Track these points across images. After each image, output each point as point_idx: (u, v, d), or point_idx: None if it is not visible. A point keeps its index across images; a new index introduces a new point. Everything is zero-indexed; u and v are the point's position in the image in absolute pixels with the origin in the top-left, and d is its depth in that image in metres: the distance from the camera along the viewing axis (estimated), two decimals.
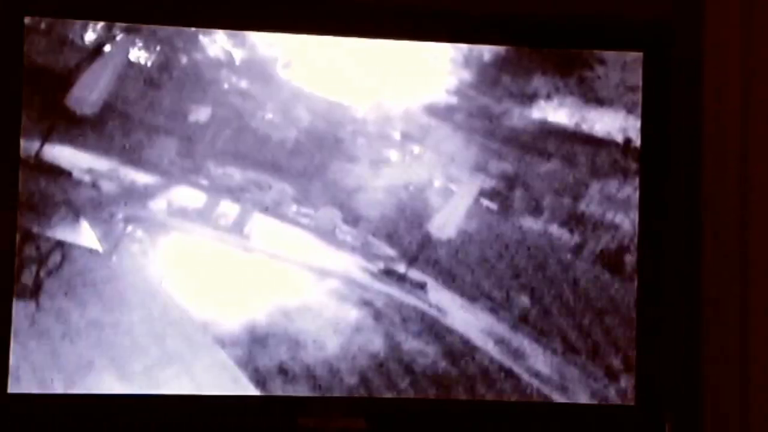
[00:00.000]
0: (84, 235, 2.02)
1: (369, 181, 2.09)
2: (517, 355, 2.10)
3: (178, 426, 2.03)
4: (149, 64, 2.05)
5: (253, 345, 2.04)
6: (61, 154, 2.02)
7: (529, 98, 2.12)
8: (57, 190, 2.02)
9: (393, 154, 2.10)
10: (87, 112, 2.04)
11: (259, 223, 2.07)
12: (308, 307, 2.07)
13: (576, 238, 2.12)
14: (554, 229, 2.11)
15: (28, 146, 2.01)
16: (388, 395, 2.07)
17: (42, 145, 2.02)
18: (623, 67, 2.13)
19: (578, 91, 2.13)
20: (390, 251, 2.09)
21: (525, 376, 2.09)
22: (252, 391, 2.04)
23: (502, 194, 2.11)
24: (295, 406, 2.05)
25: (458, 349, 2.09)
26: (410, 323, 2.09)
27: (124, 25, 2.04)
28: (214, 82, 2.06)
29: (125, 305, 2.02)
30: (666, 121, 2.14)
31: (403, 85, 2.10)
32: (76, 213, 2.02)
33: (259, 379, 2.04)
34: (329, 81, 2.09)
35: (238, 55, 2.07)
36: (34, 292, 2.00)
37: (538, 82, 2.12)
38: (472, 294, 2.10)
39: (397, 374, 2.07)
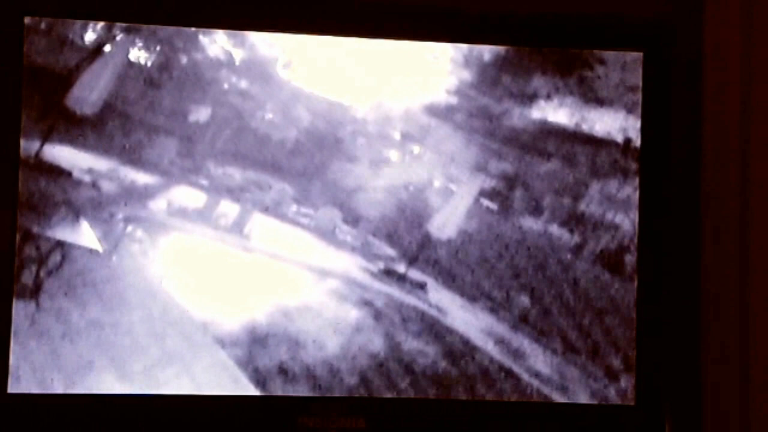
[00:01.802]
0: (84, 235, 2.02)
1: (369, 181, 2.09)
2: (517, 355, 2.10)
3: (178, 426, 2.03)
4: (149, 64, 2.05)
5: (253, 345, 2.04)
6: (61, 154, 2.02)
7: (529, 98, 2.12)
8: (57, 190, 2.02)
9: (393, 154, 2.10)
10: (87, 112, 2.04)
11: (259, 223, 2.07)
12: (308, 307, 2.07)
13: (576, 238, 2.12)
14: (554, 229, 2.11)
15: (28, 146, 2.01)
16: (388, 395, 2.07)
17: (42, 145, 2.02)
18: (623, 67, 2.13)
19: (578, 91, 2.13)
20: (390, 251, 2.09)
21: (525, 376, 2.09)
22: (252, 391, 2.04)
23: (502, 194, 2.11)
24: (295, 406, 2.05)
25: (458, 349, 2.09)
26: (410, 323, 2.09)
27: (124, 25, 2.04)
28: (214, 82, 2.06)
29: (125, 305, 2.02)
30: (666, 121, 2.14)
31: (403, 85, 2.10)
32: (76, 213, 2.02)
33: (259, 379, 2.04)
34: (329, 81, 2.09)
35: (238, 55, 2.07)
36: (34, 292, 2.00)
37: (538, 82, 2.12)
38: (472, 294, 2.10)
39: (397, 374, 2.07)
